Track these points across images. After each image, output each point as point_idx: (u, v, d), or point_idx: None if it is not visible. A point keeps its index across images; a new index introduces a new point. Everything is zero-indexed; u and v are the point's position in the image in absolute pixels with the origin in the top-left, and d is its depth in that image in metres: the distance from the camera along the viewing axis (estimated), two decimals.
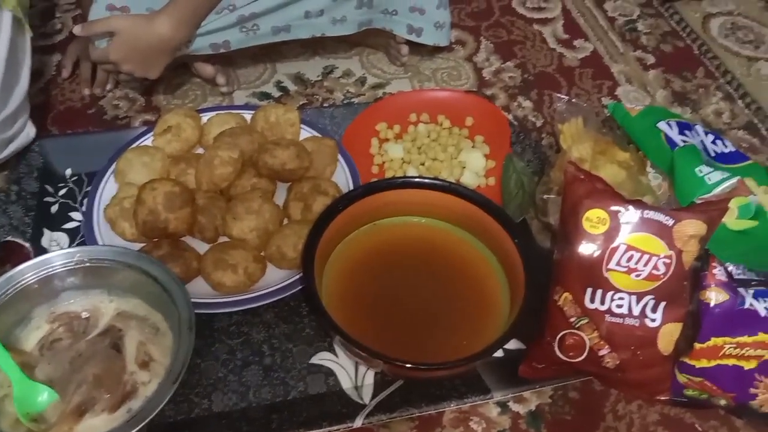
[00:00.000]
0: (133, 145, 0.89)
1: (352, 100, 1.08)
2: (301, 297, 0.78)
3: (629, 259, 0.68)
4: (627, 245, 0.68)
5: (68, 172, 0.92)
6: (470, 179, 0.90)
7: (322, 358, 0.75)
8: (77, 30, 0.91)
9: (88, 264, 0.71)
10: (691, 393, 0.71)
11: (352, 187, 0.86)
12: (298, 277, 0.76)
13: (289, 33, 0.99)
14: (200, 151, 0.91)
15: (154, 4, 0.92)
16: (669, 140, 0.88)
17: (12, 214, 0.83)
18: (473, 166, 0.91)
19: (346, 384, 0.73)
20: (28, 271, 0.69)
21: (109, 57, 0.91)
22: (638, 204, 0.69)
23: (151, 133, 0.91)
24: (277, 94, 1.09)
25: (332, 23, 1.00)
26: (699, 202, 0.80)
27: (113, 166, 0.87)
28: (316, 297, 0.69)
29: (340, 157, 0.90)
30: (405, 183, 0.79)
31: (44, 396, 0.65)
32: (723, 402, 0.70)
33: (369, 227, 0.81)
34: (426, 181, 0.79)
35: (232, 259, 0.75)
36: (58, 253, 0.71)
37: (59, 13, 1.22)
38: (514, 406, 0.73)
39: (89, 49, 0.96)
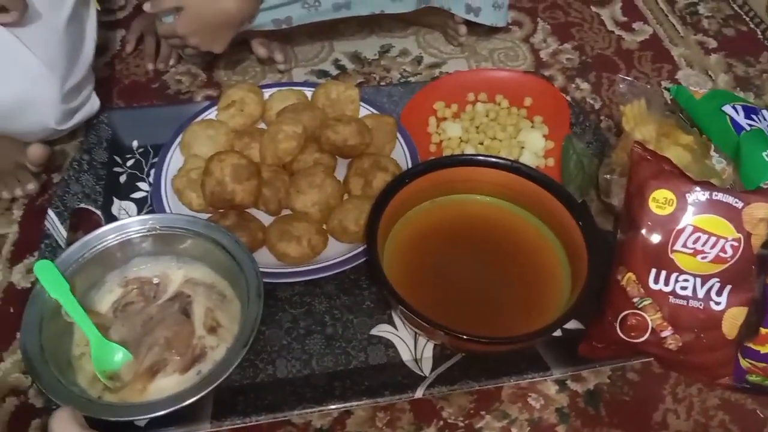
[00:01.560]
0: (198, 119, 0.91)
1: (409, 78, 1.09)
2: (362, 270, 0.80)
3: (696, 241, 0.67)
4: (694, 227, 0.67)
5: (135, 143, 0.94)
6: (529, 159, 0.90)
7: (381, 330, 0.76)
8: (147, 6, 0.93)
9: (159, 231, 0.74)
10: (754, 379, 0.70)
11: (410, 165, 0.87)
12: (359, 250, 0.78)
13: (349, 9, 1.00)
14: (262, 126, 0.93)
15: None
16: (735, 124, 0.87)
17: (84, 183, 0.86)
18: (532, 146, 0.91)
19: (406, 356, 0.74)
20: (107, 234, 0.72)
21: (176, 31, 0.93)
22: (706, 185, 0.68)
23: (215, 108, 0.93)
24: (334, 72, 1.10)
25: (392, 0, 1.01)
26: (766, 186, 0.79)
27: (179, 139, 0.89)
28: (379, 268, 0.71)
29: (398, 134, 0.91)
30: (468, 160, 0.80)
31: (119, 355, 0.67)
32: None
33: (429, 204, 0.82)
34: (489, 159, 0.80)
35: (296, 231, 0.77)
36: (133, 219, 0.74)
37: None
38: (573, 385, 0.74)
39: (156, 24, 0.98)
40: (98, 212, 0.85)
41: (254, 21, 0.97)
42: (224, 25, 0.93)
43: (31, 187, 0.89)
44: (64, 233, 0.81)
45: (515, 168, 0.79)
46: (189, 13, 0.91)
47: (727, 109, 0.89)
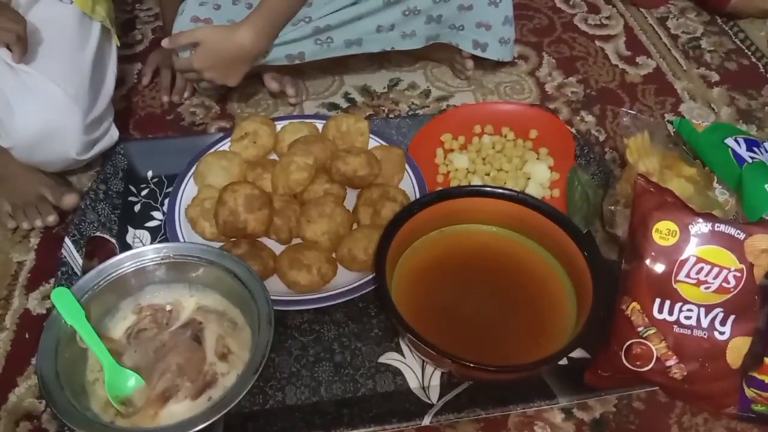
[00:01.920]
0: (212, 150, 0.94)
1: (417, 111, 1.11)
2: (370, 298, 0.81)
3: (699, 272, 0.68)
4: (697, 257, 0.68)
5: (150, 173, 0.97)
6: (535, 190, 0.91)
7: (389, 358, 0.77)
8: (165, 42, 0.96)
9: (172, 259, 0.75)
10: (759, 408, 0.70)
11: (418, 195, 0.89)
12: (368, 278, 0.79)
13: (360, 46, 1.03)
14: (274, 157, 0.95)
15: (235, 15, 0.98)
16: (737, 156, 0.89)
17: (100, 212, 0.89)
18: (538, 177, 0.93)
19: (414, 384, 0.75)
20: (122, 262, 0.74)
21: (192, 65, 0.96)
22: (709, 217, 0.69)
23: (229, 139, 0.95)
24: (344, 105, 1.13)
25: (402, 37, 1.04)
26: None
27: (193, 169, 0.92)
28: (387, 296, 0.72)
29: (407, 165, 0.93)
30: (475, 191, 0.82)
31: (132, 381, 0.69)
32: None
33: (436, 233, 0.83)
34: (495, 190, 0.81)
35: (306, 259, 0.79)
36: (147, 248, 0.75)
37: (139, 25, 1.30)
38: (579, 413, 0.74)
39: (173, 58, 1.02)
40: (113, 240, 0.87)
41: (268, 56, 1.00)
42: (239, 60, 0.97)
43: (51, 219, 0.92)
44: (80, 261, 0.83)
45: (521, 199, 0.81)
46: (205, 48, 0.95)
47: (730, 141, 0.90)
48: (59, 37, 0.92)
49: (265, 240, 0.85)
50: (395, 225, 0.78)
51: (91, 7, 0.95)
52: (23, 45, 0.84)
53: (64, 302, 0.70)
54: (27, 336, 0.82)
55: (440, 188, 0.87)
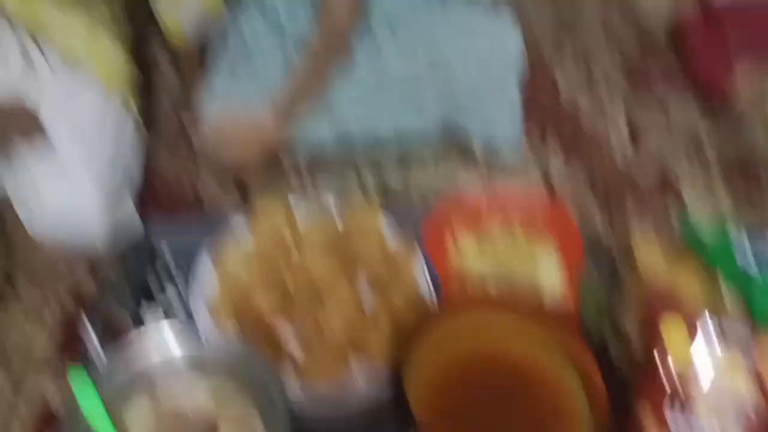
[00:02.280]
0: (230, 237, 0.94)
1: (429, 202, 1.12)
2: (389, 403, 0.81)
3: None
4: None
5: (168, 253, 0.98)
6: (546, 291, 0.93)
7: None
8: None
9: (195, 357, 0.76)
10: None
11: (431, 293, 0.90)
12: (386, 383, 0.79)
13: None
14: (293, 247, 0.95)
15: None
16: (742, 256, 0.90)
17: (117, 290, 0.91)
18: (548, 279, 0.95)
19: None
20: (142, 354, 0.75)
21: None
22: (716, 315, 0.71)
23: (247, 220, 0.96)
24: (359, 195, 1.14)
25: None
26: None
27: (213, 255, 0.92)
28: (406, 405, 0.72)
29: (420, 262, 0.94)
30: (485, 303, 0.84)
31: None
32: None
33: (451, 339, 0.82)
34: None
35: (326, 361, 0.81)
36: (172, 342, 0.76)
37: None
38: None
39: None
40: (128, 318, 0.88)
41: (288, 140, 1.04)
42: (258, 141, 1.00)
43: None
44: (98, 343, 0.84)
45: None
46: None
47: (733, 239, 0.92)
48: (86, 119, 0.95)
49: (287, 337, 0.86)
50: (412, 334, 0.78)
51: (120, 93, 0.98)
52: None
53: (82, 390, 0.70)
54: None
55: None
